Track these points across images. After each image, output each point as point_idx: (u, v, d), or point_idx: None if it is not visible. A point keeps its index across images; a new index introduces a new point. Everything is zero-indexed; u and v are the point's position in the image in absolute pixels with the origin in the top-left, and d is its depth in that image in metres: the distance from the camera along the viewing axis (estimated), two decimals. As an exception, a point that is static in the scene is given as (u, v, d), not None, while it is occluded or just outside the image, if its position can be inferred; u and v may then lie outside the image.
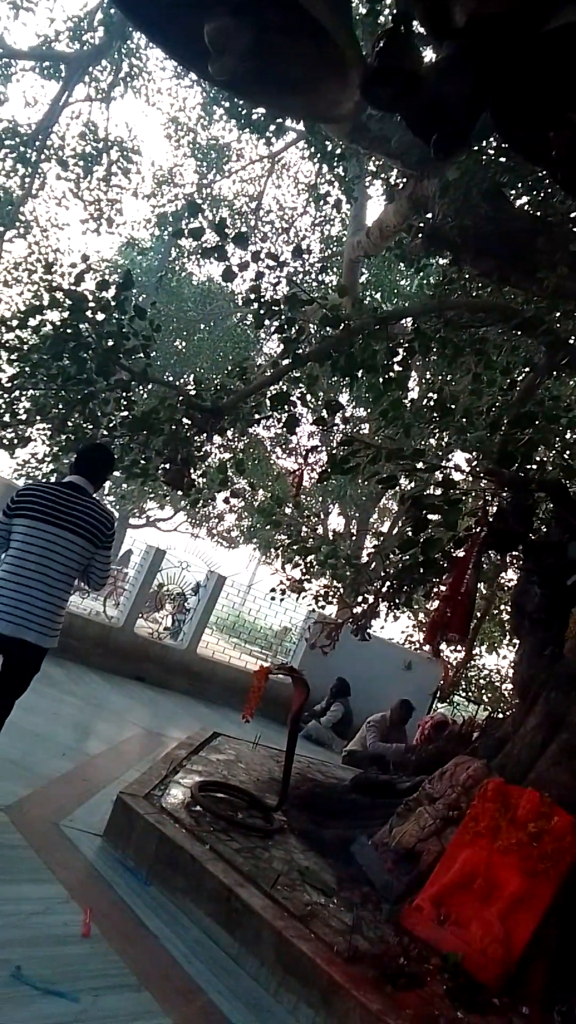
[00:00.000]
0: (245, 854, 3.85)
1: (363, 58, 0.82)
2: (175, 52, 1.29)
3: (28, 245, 14.03)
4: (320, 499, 18.37)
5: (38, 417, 6.28)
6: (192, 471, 6.46)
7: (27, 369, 6.00)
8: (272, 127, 10.03)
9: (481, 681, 14.22)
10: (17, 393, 6.17)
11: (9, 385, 6.09)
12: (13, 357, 6.06)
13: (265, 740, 6.94)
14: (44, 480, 4.87)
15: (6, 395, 6.12)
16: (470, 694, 13.80)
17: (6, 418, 6.18)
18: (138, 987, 2.78)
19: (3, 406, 6.15)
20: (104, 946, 2.95)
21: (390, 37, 0.86)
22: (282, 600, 10.18)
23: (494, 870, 3.62)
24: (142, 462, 6.40)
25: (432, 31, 0.96)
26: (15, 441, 6.49)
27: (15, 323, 6.21)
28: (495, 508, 4.97)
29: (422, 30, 1.11)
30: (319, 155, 9.38)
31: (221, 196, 16.63)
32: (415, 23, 0.99)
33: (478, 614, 9.90)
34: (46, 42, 12.53)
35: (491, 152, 5.99)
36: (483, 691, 13.98)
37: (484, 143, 5.75)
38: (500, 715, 7.01)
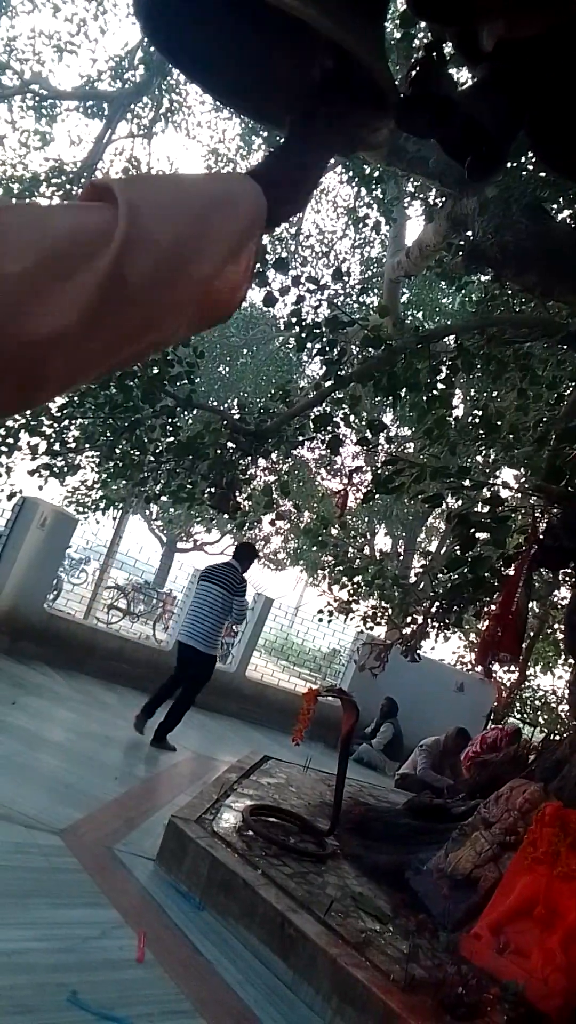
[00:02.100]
0: (298, 879, 3.82)
1: (396, 87, 0.83)
2: (215, 90, 1.32)
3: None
4: (366, 519, 18.30)
5: (87, 445, 6.42)
6: (237, 494, 6.51)
7: (75, 399, 6.14)
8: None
9: (536, 702, 13.89)
10: (66, 422, 6.32)
11: (59, 415, 6.24)
12: (62, 387, 6.21)
13: (316, 763, 6.88)
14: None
15: (56, 424, 6.27)
16: (525, 715, 13.49)
17: (56, 447, 6.33)
18: (193, 1013, 2.76)
19: (53, 435, 6.30)
20: (158, 971, 2.95)
21: (423, 65, 0.87)
22: (330, 622, 10.15)
23: (555, 897, 3.52)
24: (188, 486, 6.47)
25: (464, 55, 0.97)
26: (65, 469, 6.64)
27: (64, 355, 6.37)
28: (545, 524, 4.89)
29: (455, 53, 1.12)
30: (357, 178, 9.45)
31: (261, 223, 16.85)
32: (447, 48, 1.01)
33: (531, 633, 9.70)
34: (89, 82, 12.95)
35: (530, 167, 5.96)
36: (538, 712, 13.65)
37: (523, 159, 5.73)
38: (557, 737, 6.84)
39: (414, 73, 0.84)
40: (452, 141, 0.91)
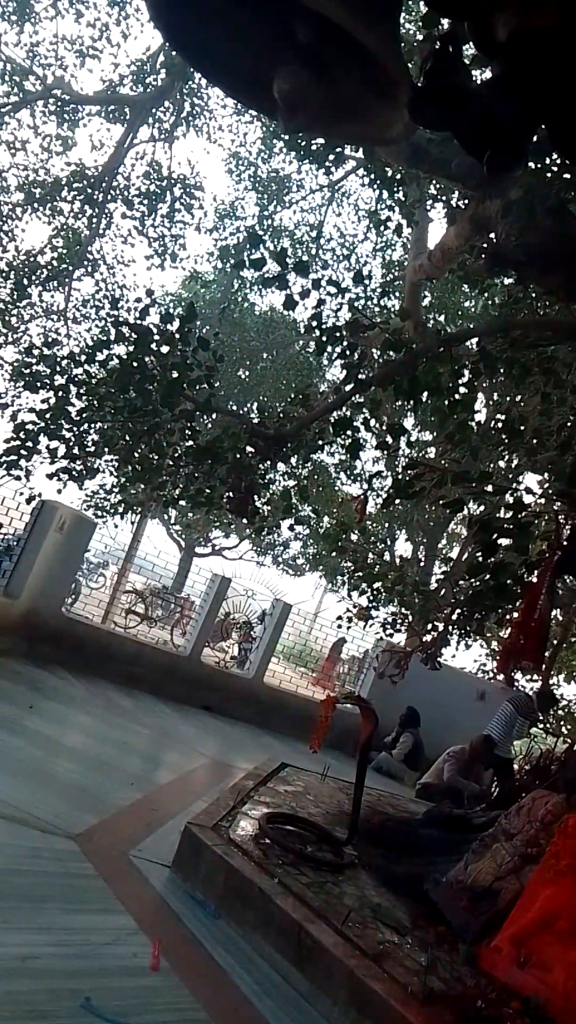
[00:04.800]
0: (315, 889, 3.77)
1: (410, 79, 0.81)
2: (239, 94, 1.30)
3: (96, 282, 14.49)
4: (386, 525, 18.20)
5: (105, 449, 6.42)
6: (256, 499, 6.48)
7: (95, 402, 6.14)
8: (331, 156, 10.13)
9: (559, 711, 13.71)
10: (86, 426, 6.33)
11: (78, 418, 6.25)
12: (82, 391, 6.23)
13: (334, 771, 6.83)
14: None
15: (75, 428, 6.28)
16: (547, 725, 13.32)
17: (75, 450, 6.34)
18: (208, 1023, 2.73)
19: (73, 439, 6.31)
20: (173, 979, 2.92)
21: (436, 56, 0.85)
22: (349, 628, 10.08)
23: (577, 911, 3.45)
24: (207, 491, 6.45)
25: (480, 48, 0.94)
26: (84, 472, 6.65)
27: (83, 358, 6.38)
28: (569, 530, 4.81)
29: (474, 51, 1.09)
30: (379, 181, 9.41)
31: (282, 226, 16.86)
32: (465, 45, 0.98)
33: (554, 641, 9.58)
34: (111, 87, 13.04)
35: (555, 169, 5.89)
36: (561, 722, 13.48)
37: (547, 160, 5.67)
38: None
39: (428, 64, 0.81)
40: (468, 134, 0.88)
